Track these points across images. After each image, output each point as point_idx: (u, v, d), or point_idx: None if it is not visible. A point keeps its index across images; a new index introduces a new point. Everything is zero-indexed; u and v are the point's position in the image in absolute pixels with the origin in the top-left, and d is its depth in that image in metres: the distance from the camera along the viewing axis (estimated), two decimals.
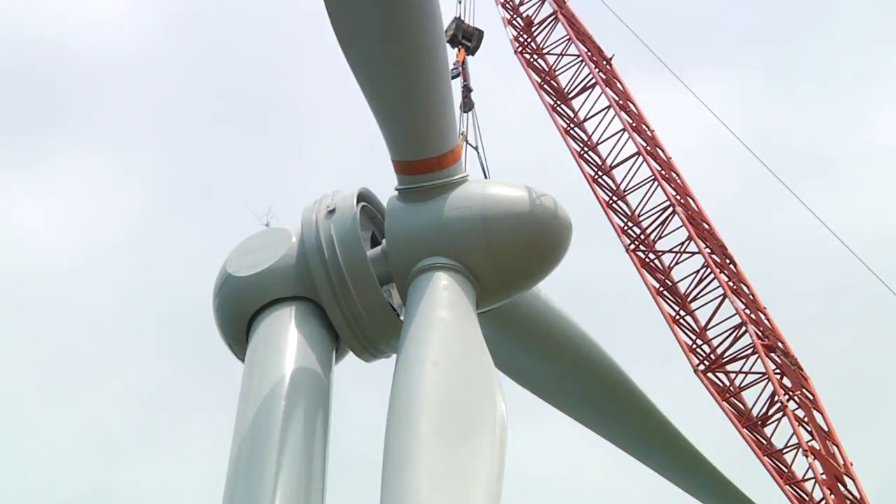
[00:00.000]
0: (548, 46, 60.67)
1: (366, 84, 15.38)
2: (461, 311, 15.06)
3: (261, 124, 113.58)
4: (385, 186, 16.75)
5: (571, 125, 58.03)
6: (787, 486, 45.35)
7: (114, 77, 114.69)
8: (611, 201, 55.46)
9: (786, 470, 46.36)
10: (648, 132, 57.55)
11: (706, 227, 54.42)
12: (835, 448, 46.87)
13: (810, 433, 46.71)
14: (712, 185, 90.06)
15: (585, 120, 57.88)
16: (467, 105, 45.95)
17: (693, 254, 52.72)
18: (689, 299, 51.93)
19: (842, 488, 44.96)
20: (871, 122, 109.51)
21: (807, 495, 44.95)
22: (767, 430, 47.88)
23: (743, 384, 49.41)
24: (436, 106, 15.63)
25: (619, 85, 59.12)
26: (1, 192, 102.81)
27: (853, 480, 45.73)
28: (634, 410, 20.24)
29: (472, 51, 51.24)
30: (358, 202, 16.74)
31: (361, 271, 16.16)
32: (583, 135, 57.70)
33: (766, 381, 48.37)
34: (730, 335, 50.24)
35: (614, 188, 55.85)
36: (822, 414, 48.05)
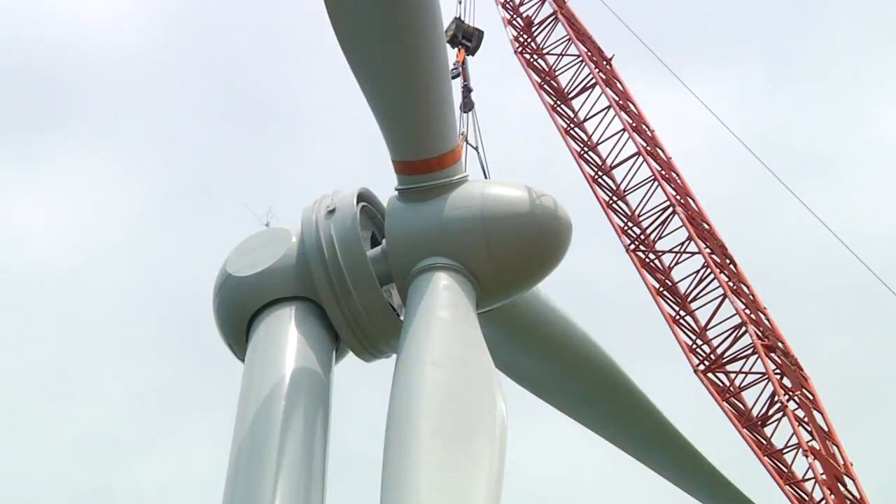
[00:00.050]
0: (548, 46, 60.68)
1: (366, 84, 15.38)
2: (461, 312, 15.06)
3: (261, 124, 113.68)
4: (385, 186, 16.77)
5: (571, 125, 58.02)
6: (787, 486, 45.35)
7: (114, 77, 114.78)
8: (611, 201, 55.45)
9: (786, 470, 46.36)
10: (648, 132, 57.55)
11: (706, 227, 54.42)
12: (835, 448, 46.86)
13: (810, 433, 46.70)
14: (712, 185, 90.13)
15: (585, 120, 57.88)
16: (467, 105, 45.94)
17: (693, 254, 52.72)
18: (689, 299, 51.92)
19: (842, 488, 44.96)
20: (871, 122, 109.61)
21: (807, 495, 44.95)
22: (767, 430, 47.88)
23: (743, 384, 49.40)
24: (436, 106, 15.64)
25: (619, 85, 59.12)
26: (1, 191, 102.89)
27: (853, 480, 45.73)
28: (634, 410, 20.25)
29: (472, 51, 51.21)
30: (358, 202, 16.75)
31: (361, 271, 16.16)
32: (583, 135, 57.70)
33: (766, 381, 48.36)
34: (730, 335, 50.24)
35: (614, 188, 55.84)
36: (822, 414, 48.04)
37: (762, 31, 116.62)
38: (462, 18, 51.85)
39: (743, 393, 49.37)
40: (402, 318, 15.77)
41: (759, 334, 49.79)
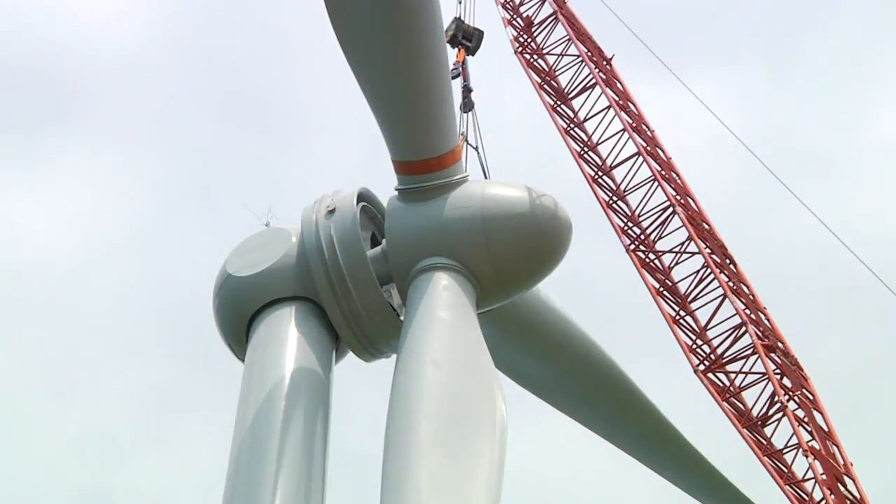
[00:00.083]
0: (548, 46, 60.69)
1: (366, 84, 15.38)
2: (461, 312, 15.06)
3: (261, 124, 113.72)
4: (385, 186, 16.77)
5: (571, 125, 58.03)
6: (787, 487, 45.35)
7: (114, 76, 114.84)
8: (611, 201, 55.46)
9: (786, 470, 46.36)
10: (648, 132, 57.55)
11: (706, 227, 54.42)
12: (835, 448, 46.87)
13: (810, 433, 46.70)
14: (712, 185, 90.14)
15: (585, 120, 57.89)
16: (467, 105, 45.95)
17: (693, 254, 52.73)
18: (689, 299, 51.93)
19: (842, 488, 44.96)
20: (872, 122, 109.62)
21: (807, 495, 44.95)
22: (767, 431, 47.89)
23: (743, 384, 49.41)
24: (436, 106, 15.63)
25: (619, 85, 59.13)
26: (1, 191, 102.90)
27: (853, 480, 45.73)
28: (634, 411, 20.24)
29: (472, 51, 51.22)
30: (358, 202, 16.74)
31: (361, 271, 16.16)
32: (583, 135, 57.71)
33: (766, 381, 48.37)
34: (730, 335, 50.25)
35: (614, 188, 55.84)
36: (822, 414, 48.05)
37: (762, 31, 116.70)
38: (462, 18, 51.86)
39: (743, 393, 49.38)
40: (402, 318, 15.76)
41: (759, 334, 49.80)
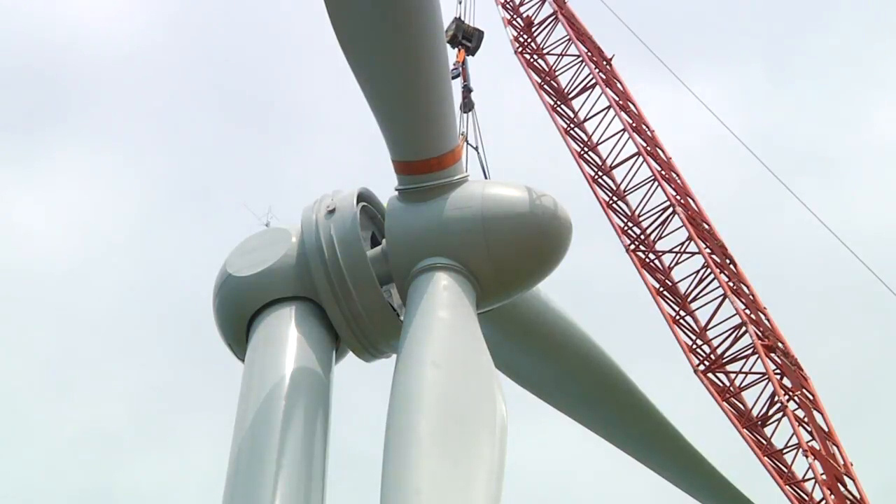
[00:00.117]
0: (548, 47, 60.65)
1: (366, 84, 15.38)
2: (461, 312, 15.06)
3: (261, 124, 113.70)
4: (385, 186, 16.78)
5: (571, 125, 58.01)
6: (787, 487, 45.33)
7: (114, 76, 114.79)
8: (611, 201, 55.44)
9: (786, 470, 46.34)
10: (648, 132, 57.53)
11: (706, 227, 54.40)
12: (835, 448, 46.84)
13: (810, 433, 46.68)
14: (712, 185, 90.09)
15: (585, 120, 57.86)
16: (467, 105, 45.85)
17: (693, 254, 52.70)
18: (689, 299, 51.89)
19: (842, 488, 44.94)
20: (871, 121, 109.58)
21: (807, 495, 44.93)
22: (767, 431, 47.86)
23: (743, 384, 49.38)
24: (436, 106, 15.64)
25: (619, 85, 59.11)
26: (1, 191, 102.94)
27: (853, 480, 45.71)
28: (634, 411, 20.26)
29: (472, 51, 51.14)
30: (358, 202, 16.75)
31: (361, 271, 16.17)
32: (583, 135, 57.68)
33: (766, 381, 48.34)
34: (730, 335, 50.21)
35: (614, 188, 55.82)
36: (822, 414, 48.03)
37: (762, 31, 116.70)
38: (462, 18, 51.78)
39: (743, 393, 49.35)
40: (402, 318, 15.77)
41: (759, 334, 49.78)
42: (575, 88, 58.75)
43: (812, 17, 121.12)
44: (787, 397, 47.78)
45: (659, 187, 54.50)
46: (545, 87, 59.36)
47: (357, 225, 16.41)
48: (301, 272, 16.42)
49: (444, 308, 14.92)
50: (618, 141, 56.49)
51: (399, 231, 16.16)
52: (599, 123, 57.35)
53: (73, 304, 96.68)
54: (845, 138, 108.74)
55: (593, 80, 58.08)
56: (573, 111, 58.35)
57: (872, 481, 46.71)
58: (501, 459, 12.82)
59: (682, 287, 52.40)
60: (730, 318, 50.60)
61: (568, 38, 59.86)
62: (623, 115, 56.88)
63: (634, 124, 57.11)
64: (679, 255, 53.08)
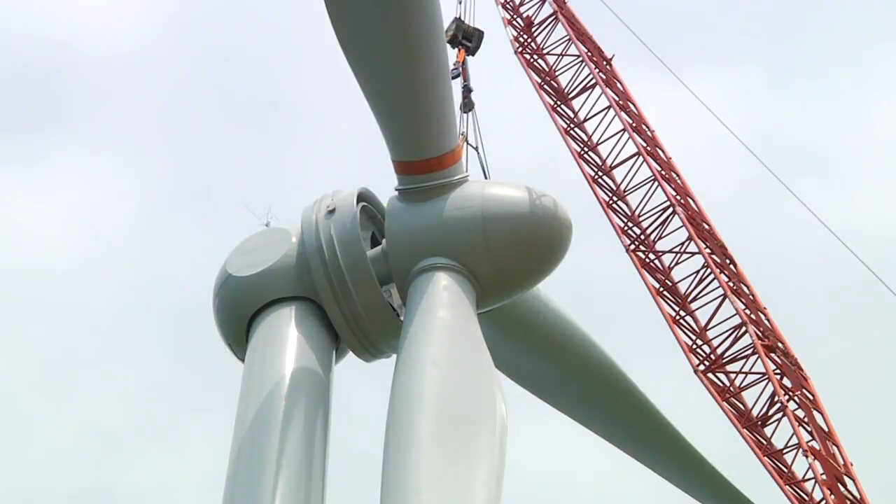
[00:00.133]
0: (548, 47, 60.66)
1: (366, 84, 15.38)
2: (461, 312, 15.06)
3: (261, 124, 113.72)
4: (385, 186, 16.78)
5: (571, 125, 58.01)
6: (787, 487, 45.34)
7: (114, 76, 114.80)
8: (611, 201, 55.44)
9: (786, 470, 46.34)
10: (648, 132, 57.54)
11: (706, 227, 54.41)
12: (835, 448, 46.85)
13: (810, 433, 46.69)
14: (712, 185, 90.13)
15: (585, 120, 57.86)
16: (467, 105, 45.84)
17: (693, 254, 52.71)
18: (689, 299, 51.90)
19: (842, 488, 44.95)
20: (871, 121, 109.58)
21: (807, 495, 44.94)
22: (767, 431, 47.86)
23: (743, 384, 49.39)
24: (436, 106, 15.63)
25: (619, 85, 59.11)
26: (1, 190, 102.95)
27: (853, 480, 45.72)
28: (634, 411, 20.25)
29: (472, 51, 51.13)
30: (358, 202, 16.75)
31: (361, 271, 16.16)
32: (583, 135, 57.69)
33: (766, 381, 48.35)
34: (730, 335, 50.22)
35: (614, 188, 55.83)
36: (822, 414, 48.03)
37: (762, 31, 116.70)
38: (462, 18, 51.77)
39: (743, 393, 49.36)
40: (402, 318, 15.76)
41: (759, 334, 49.78)
42: (575, 88, 58.77)
43: (812, 17, 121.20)
44: (787, 397, 47.79)
45: (659, 187, 54.52)
46: (545, 87, 59.36)
47: (357, 225, 16.40)
48: (301, 272, 16.42)
49: (444, 308, 14.91)
50: (618, 141, 56.53)
51: (399, 231, 16.15)
52: (599, 123, 57.40)
53: (73, 304, 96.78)
54: (845, 138, 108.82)
55: (593, 80, 58.09)
56: (573, 111, 58.35)
57: (872, 481, 46.76)
58: (501, 459, 12.82)
59: (682, 287, 52.41)
60: (730, 318, 50.64)
61: (568, 38, 59.87)
62: (623, 115, 56.89)
63: (634, 124, 57.12)
64: (679, 255, 53.09)
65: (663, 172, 55.47)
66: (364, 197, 17.13)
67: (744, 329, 49.81)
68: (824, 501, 44.32)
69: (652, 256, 53.57)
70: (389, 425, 13.00)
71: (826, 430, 47.33)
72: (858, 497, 45.07)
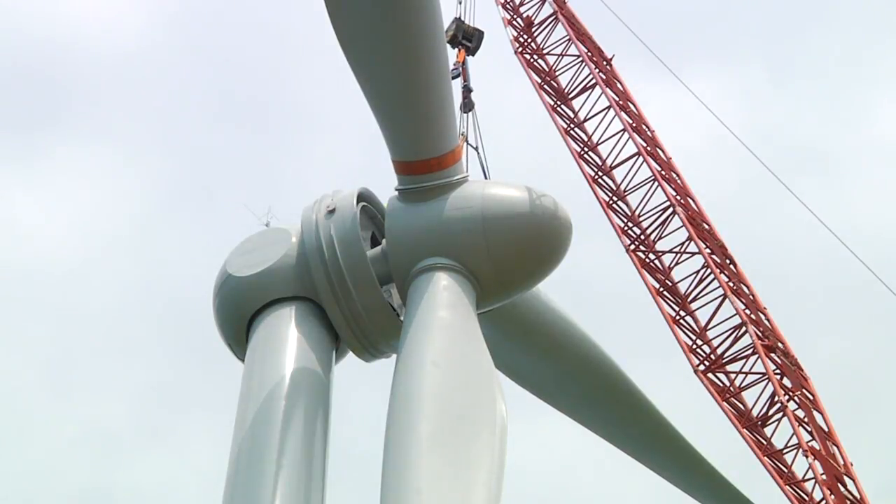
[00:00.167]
0: (548, 47, 60.67)
1: (366, 84, 15.38)
2: (461, 312, 15.06)
3: (261, 124, 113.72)
4: (385, 186, 16.78)
5: (571, 125, 58.01)
6: (787, 487, 45.34)
7: (114, 75, 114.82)
8: (611, 201, 55.45)
9: (786, 470, 46.35)
10: (648, 132, 57.54)
11: (706, 227, 54.42)
12: (835, 448, 46.86)
13: (810, 433, 46.70)
14: (712, 185, 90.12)
15: (585, 120, 57.87)
16: (467, 105, 45.84)
17: (693, 254, 52.72)
18: (689, 299, 51.91)
19: (842, 488, 44.95)
20: (871, 121, 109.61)
21: (807, 495, 44.94)
22: (767, 431, 47.87)
23: (743, 384, 49.40)
24: (436, 106, 15.63)
25: (619, 85, 59.11)
26: (2, 190, 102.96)
27: (853, 480, 45.72)
28: (634, 411, 20.25)
29: (472, 51, 51.13)
30: (358, 202, 16.75)
31: (361, 271, 16.16)
32: (583, 135, 57.70)
33: (766, 381, 48.35)
34: (730, 335, 50.23)
35: (614, 188, 55.83)
36: (822, 414, 48.04)
37: (762, 31, 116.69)
38: (462, 18, 51.77)
39: (743, 393, 49.37)
40: (402, 318, 15.76)
41: (759, 334, 49.79)
42: (575, 88, 58.78)
43: (812, 17, 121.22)
44: (787, 397, 47.79)
45: (659, 187, 54.52)
46: (545, 87, 59.37)
47: (357, 225, 16.40)
48: (301, 272, 16.42)
49: (444, 308, 14.91)
50: (618, 141, 56.54)
51: (399, 231, 16.15)
52: (599, 123, 57.41)
53: (73, 304, 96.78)
54: (845, 138, 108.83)
55: (593, 80, 58.09)
56: (573, 111, 58.36)
57: (872, 481, 46.77)
58: (502, 459, 12.82)
59: (682, 287, 52.42)
60: (730, 318, 50.66)
61: (568, 38, 59.88)
62: (623, 115, 56.90)
63: (634, 124, 57.12)
64: (679, 255, 53.10)
65: (663, 172, 55.47)
66: (364, 197, 17.13)
67: (744, 329, 49.82)
68: (824, 501, 44.32)
69: (652, 256, 53.58)
70: (389, 425, 13.00)
71: (826, 430, 47.34)
72: (858, 497, 45.08)
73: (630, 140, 56.12)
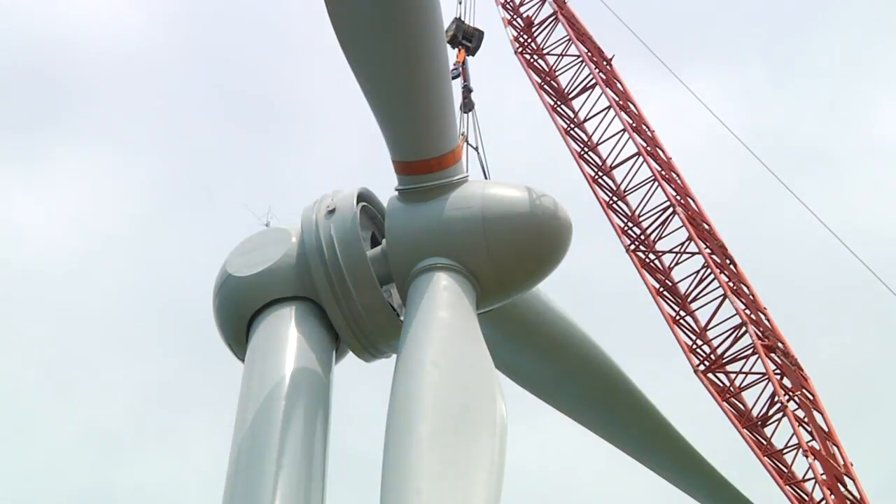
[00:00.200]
0: (548, 47, 60.66)
1: (366, 84, 15.38)
2: (461, 312, 15.06)
3: (261, 124, 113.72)
4: (385, 186, 16.79)
5: (571, 125, 58.01)
6: (787, 487, 45.33)
7: (114, 75, 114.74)
8: (611, 202, 55.44)
9: (786, 470, 46.34)
10: (648, 132, 57.54)
11: (706, 227, 54.42)
12: (835, 448, 46.85)
13: (810, 433, 46.69)
14: (712, 185, 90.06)
15: (585, 120, 57.86)
16: (467, 105, 45.83)
17: (693, 254, 52.70)
18: (689, 299, 51.90)
19: (842, 488, 44.95)
20: (872, 121, 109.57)
21: (807, 495, 44.93)
22: (767, 431, 47.86)
23: (743, 384, 49.39)
24: (436, 106, 15.64)
25: (619, 85, 59.11)
26: (1, 190, 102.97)
27: (853, 480, 45.72)
28: (634, 411, 20.25)
29: (472, 51, 51.11)
30: (358, 202, 16.75)
31: (361, 271, 16.17)
32: (583, 135, 57.69)
33: (766, 381, 48.35)
34: (730, 335, 50.21)
35: (614, 188, 55.83)
36: (822, 414, 48.03)
37: (762, 30, 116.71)
38: (462, 19, 51.75)
39: (743, 393, 49.35)
40: (402, 318, 15.77)
41: (759, 334, 49.78)
42: (575, 88, 58.77)
43: (812, 17, 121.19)
44: (787, 397, 47.78)
45: (659, 187, 54.52)
46: (545, 87, 59.37)
47: (357, 225, 16.41)
48: (301, 272, 16.42)
49: (444, 308, 14.92)
50: (618, 141, 56.52)
51: (399, 231, 16.16)
52: (599, 123, 57.39)
53: (73, 304, 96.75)
54: (846, 138, 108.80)
55: (593, 81, 58.09)
56: (573, 111, 58.36)
57: (872, 481, 46.78)
58: (501, 460, 12.82)
59: (682, 287, 52.41)
60: (730, 318, 50.63)
61: (568, 38, 59.87)
62: (623, 115, 56.89)
63: (634, 124, 57.12)
64: (679, 255, 53.09)
65: (663, 172, 55.47)
66: (364, 197, 17.14)
67: (744, 329, 49.81)
68: (824, 501, 44.31)
69: (652, 256, 53.58)
70: (389, 425, 13.00)
71: (826, 430, 47.33)
72: (858, 497, 45.07)
73: (630, 140, 56.11)
